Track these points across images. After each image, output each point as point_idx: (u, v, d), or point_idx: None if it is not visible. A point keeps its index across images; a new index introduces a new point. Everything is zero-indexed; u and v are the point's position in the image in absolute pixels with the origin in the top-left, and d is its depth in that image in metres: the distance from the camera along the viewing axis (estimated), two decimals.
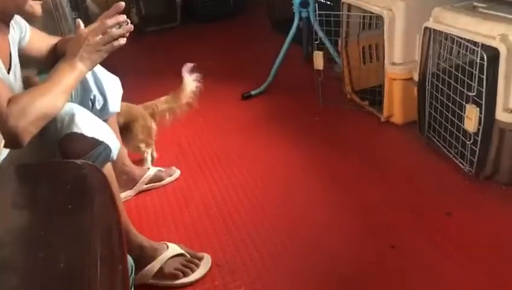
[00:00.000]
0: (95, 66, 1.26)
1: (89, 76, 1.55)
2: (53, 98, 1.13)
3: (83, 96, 1.55)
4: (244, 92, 2.66)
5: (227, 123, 2.42)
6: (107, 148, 1.21)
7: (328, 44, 2.50)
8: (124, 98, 1.71)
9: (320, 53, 2.33)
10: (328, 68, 2.46)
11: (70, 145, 1.16)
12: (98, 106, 1.60)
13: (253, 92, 2.66)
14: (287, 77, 2.75)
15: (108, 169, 1.27)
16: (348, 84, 2.42)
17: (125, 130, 1.86)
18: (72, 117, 1.17)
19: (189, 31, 4.10)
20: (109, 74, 1.66)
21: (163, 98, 2.03)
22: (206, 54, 3.41)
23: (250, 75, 2.91)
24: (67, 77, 1.18)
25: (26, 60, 1.40)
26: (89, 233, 0.71)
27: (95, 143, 1.19)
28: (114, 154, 1.25)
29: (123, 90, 1.69)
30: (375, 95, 2.26)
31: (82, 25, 1.27)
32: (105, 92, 1.60)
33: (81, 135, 1.16)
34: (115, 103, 1.66)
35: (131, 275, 1.34)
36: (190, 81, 1.99)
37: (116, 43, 1.24)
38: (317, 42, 2.40)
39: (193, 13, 4.27)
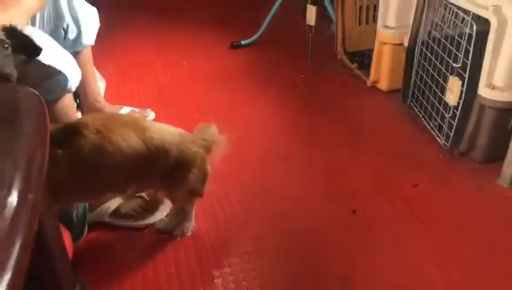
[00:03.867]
0: None
1: (64, 3, 1.49)
2: (10, 19, 1.07)
3: (56, 23, 1.49)
4: (233, 41, 2.58)
5: (212, 71, 2.36)
6: (66, 79, 1.16)
7: None
8: (101, 34, 1.65)
9: (313, 7, 2.23)
10: (324, 26, 2.37)
11: (24, 71, 1.11)
12: (71, 36, 1.54)
13: (243, 42, 2.59)
14: (280, 29, 2.66)
15: (66, 100, 1.23)
16: (340, 44, 2.34)
17: (175, 174, 1.27)
18: None
19: None
20: (86, 3, 1.60)
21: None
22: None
23: (242, 24, 2.82)
24: None
25: None
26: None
27: (53, 72, 1.14)
28: (72, 86, 1.20)
29: (101, 24, 1.64)
30: (364, 58, 2.20)
31: None
32: (80, 22, 1.55)
33: (38, 62, 1.11)
34: (90, 35, 1.61)
35: (83, 212, 1.33)
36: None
37: None
38: None
39: None
